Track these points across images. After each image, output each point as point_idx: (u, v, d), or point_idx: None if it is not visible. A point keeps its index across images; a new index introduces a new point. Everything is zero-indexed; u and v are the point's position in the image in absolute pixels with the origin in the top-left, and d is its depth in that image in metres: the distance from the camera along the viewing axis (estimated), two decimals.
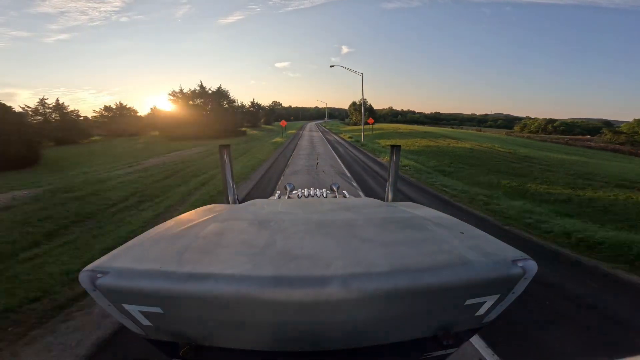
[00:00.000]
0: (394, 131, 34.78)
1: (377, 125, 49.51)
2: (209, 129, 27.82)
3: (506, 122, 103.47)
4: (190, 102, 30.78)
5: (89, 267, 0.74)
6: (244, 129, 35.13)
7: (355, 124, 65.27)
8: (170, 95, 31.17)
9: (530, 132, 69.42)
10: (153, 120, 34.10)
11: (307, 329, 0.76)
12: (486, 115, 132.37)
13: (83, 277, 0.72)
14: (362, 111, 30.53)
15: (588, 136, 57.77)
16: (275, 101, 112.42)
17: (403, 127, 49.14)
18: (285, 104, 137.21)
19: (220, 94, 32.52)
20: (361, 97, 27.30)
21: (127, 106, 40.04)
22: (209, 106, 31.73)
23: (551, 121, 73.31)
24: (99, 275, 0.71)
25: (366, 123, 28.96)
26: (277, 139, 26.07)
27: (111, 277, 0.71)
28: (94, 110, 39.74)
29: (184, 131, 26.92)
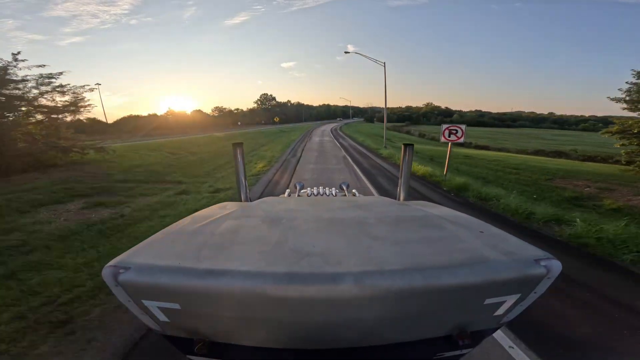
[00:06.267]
0: None
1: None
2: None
3: (533, 124, 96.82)
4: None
5: (112, 262, 0.75)
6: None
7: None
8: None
9: None
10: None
11: (319, 326, 0.76)
12: (505, 113, 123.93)
13: (106, 272, 0.72)
14: None
15: None
16: (265, 94, 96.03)
17: None
18: (284, 100, 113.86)
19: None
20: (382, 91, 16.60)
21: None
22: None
23: None
24: (121, 270, 0.72)
25: None
26: None
27: (133, 273, 0.71)
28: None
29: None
